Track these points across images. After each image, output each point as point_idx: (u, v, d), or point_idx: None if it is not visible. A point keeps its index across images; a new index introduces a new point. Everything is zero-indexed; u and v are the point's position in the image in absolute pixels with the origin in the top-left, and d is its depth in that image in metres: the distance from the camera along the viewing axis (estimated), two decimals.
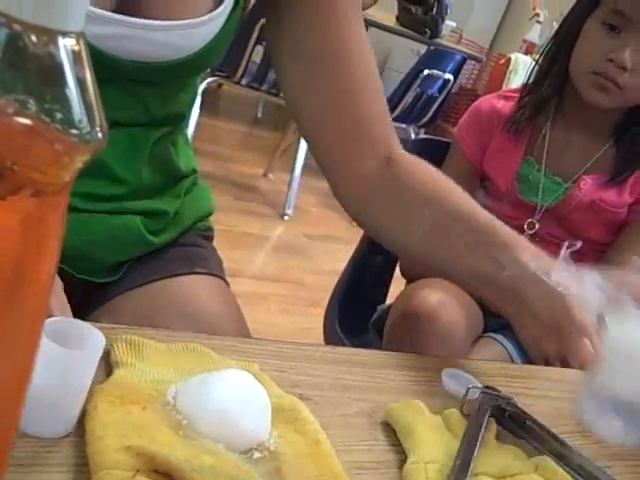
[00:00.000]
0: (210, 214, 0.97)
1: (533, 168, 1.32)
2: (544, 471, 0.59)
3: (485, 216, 0.77)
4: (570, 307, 0.67)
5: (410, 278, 1.36)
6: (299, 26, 0.78)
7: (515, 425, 0.65)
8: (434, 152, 1.45)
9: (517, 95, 1.37)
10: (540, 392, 0.77)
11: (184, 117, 0.86)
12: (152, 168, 0.83)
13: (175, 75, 0.77)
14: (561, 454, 0.62)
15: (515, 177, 1.32)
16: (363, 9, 0.83)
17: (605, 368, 0.60)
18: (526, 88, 1.35)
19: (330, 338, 1.40)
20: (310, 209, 3.26)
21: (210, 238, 0.96)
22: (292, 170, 3.34)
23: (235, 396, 0.51)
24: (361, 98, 0.81)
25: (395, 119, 3.51)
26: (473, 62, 4.80)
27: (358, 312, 1.43)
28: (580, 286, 0.68)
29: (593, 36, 1.23)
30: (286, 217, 3.30)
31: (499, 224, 0.76)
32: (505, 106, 1.37)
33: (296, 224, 3.27)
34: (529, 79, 1.36)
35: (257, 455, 0.50)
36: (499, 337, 1.21)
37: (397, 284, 1.48)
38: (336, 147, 0.82)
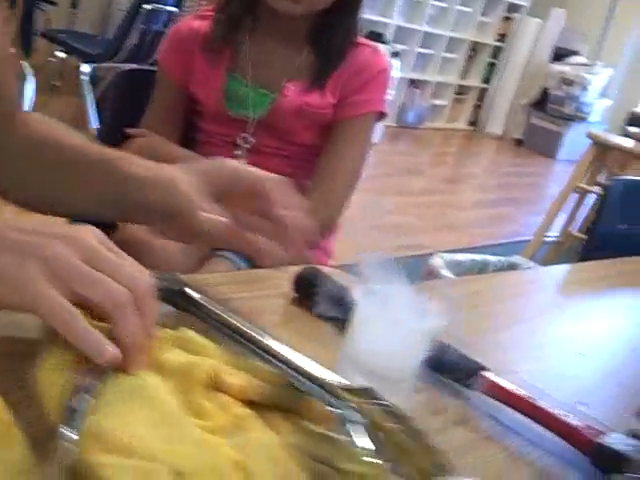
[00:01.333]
0: None
1: (239, 83, 1.33)
2: (183, 342, 0.58)
3: (96, 147, 0.78)
4: (179, 187, 0.70)
5: None
6: None
7: (186, 303, 0.66)
8: (143, 82, 1.43)
9: (213, 14, 1.36)
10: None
11: None
12: None
13: None
14: (228, 322, 0.63)
15: (222, 94, 1.33)
16: None
17: (354, 333, 0.64)
18: (219, 6, 1.35)
19: None
20: None
21: None
22: None
23: None
24: None
25: (124, 60, 3.39)
26: None
27: None
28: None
29: None
30: None
31: (108, 150, 0.77)
32: (202, 25, 1.35)
33: None
34: None
35: None
36: (228, 254, 1.22)
37: None
38: None
